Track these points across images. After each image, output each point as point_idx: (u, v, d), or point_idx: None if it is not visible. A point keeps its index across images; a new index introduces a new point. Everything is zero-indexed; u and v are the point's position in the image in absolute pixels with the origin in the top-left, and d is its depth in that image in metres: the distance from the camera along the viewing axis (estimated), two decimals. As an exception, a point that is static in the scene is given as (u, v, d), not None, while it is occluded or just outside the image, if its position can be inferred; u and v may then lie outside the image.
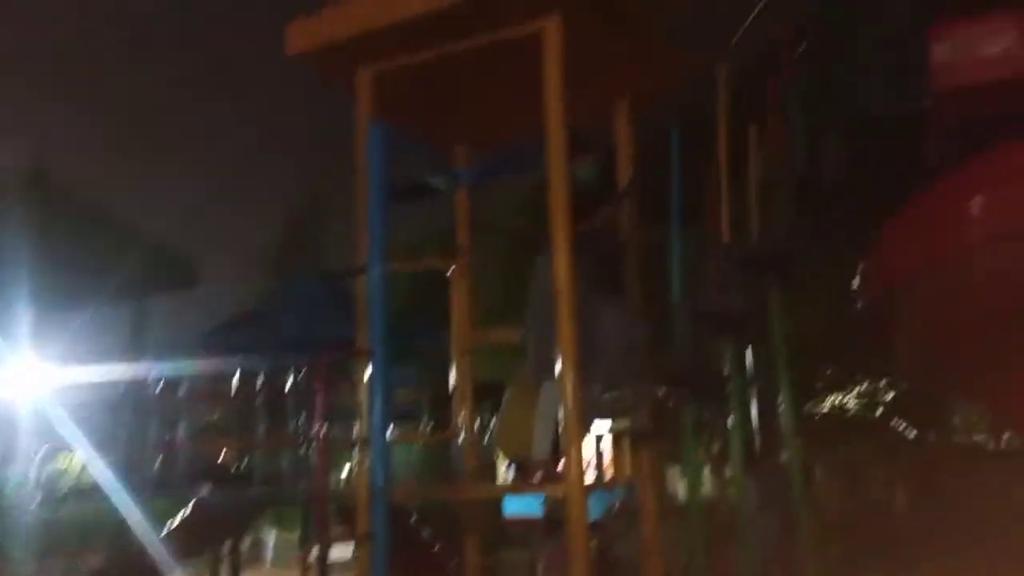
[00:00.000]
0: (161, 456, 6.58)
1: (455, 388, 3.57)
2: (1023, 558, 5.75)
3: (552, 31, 2.87)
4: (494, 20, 2.85)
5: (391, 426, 2.60)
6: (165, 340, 7.80)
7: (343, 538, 5.87)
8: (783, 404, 4.73)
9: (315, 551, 6.00)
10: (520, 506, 5.44)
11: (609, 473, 4.25)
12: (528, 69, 2.87)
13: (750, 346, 4.95)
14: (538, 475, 2.86)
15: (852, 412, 10.83)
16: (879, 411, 10.73)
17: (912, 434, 10.81)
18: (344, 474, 8.75)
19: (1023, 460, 9.15)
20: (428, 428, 7.88)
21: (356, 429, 2.64)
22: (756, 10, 5.50)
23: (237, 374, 6.75)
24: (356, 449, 2.57)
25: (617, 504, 3.93)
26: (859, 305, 5.16)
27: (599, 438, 4.41)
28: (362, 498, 2.46)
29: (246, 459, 7.06)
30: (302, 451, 6.64)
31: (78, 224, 6.67)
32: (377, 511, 2.36)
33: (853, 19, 5.54)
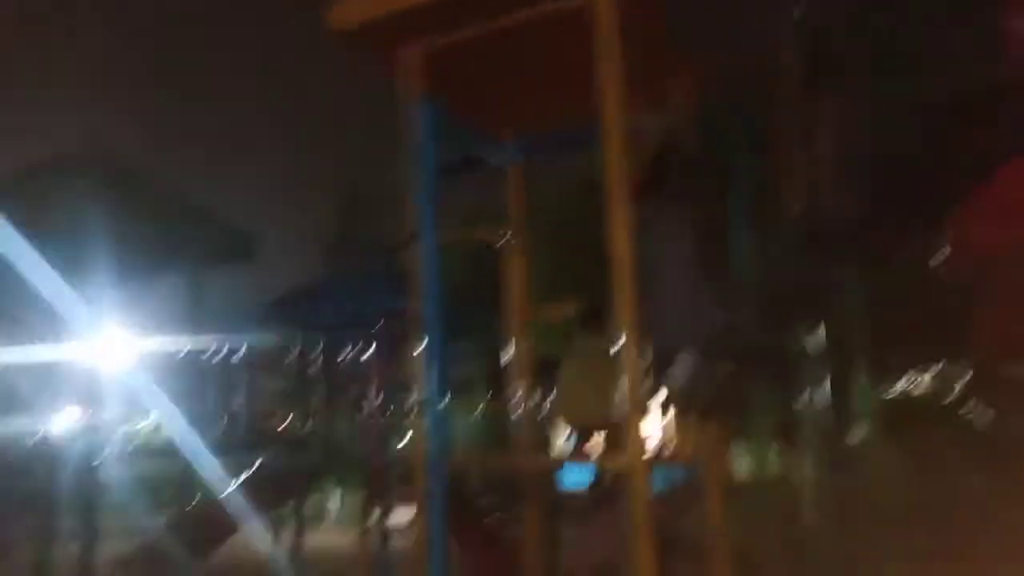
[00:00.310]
0: (225, 421, 6.76)
1: (510, 361, 3.52)
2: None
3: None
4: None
5: (447, 396, 2.58)
6: (227, 312, 8.00)
7: (404, 502, 5.96)
8: (856, 384, 4.56)
9: (375, 514, 6.15)
10: (579, 478, 5.42)
11: (672, 448, 4.16)
12: (581, 48, 2.70)
13: (823, 323, 4.78)
14: (597, 445, 2.81)
15: (926, 395, 10.46)
16: (954, 394, 10.35)
17: (987, 419, 10.38)
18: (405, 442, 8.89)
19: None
20: (485, 401, 7.95)
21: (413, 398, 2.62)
22: None
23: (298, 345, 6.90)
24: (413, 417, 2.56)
25: (680, 481, 3.84)
26: (943, 280, 4.91)
27: (664, 411, 4.32)
28: (417, 465, 2.44)
29: (307, 424, 7.22)
30: (362, 418, 6.77)
31: (153, 202, 6.83)
32: (433, 478, 2.36)
33: None
